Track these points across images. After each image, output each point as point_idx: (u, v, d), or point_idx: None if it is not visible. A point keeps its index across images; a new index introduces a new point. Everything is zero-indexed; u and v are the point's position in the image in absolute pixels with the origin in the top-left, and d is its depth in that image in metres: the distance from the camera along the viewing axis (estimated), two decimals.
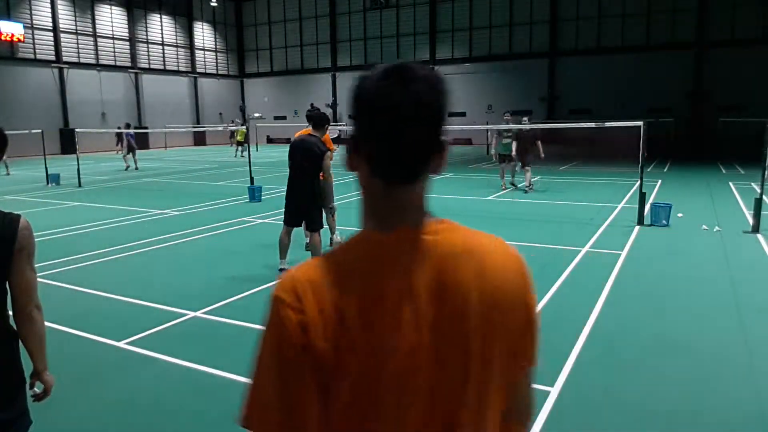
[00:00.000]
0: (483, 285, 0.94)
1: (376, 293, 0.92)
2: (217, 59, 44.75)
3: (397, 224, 0.94)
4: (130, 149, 21.26)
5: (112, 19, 36.61)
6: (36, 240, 2.05)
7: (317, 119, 6.27)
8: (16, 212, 2.01)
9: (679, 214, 9.73)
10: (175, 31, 41.22)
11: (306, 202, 6.20)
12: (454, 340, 0.93)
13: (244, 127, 25.80)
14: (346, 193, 11.14)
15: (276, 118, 43.79)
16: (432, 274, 0.92)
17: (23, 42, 30.87)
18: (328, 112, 43.02)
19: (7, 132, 2.15)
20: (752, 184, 13.48)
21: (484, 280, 0.94)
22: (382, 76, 0.92)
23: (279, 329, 0.91)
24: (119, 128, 30.03)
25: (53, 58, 33.05)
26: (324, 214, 7.01)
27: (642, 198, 9.36)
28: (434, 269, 0.92)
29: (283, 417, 0.91)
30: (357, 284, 0.92)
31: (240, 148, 27.14)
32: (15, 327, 2.02)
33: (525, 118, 13.62)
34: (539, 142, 13.13)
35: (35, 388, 2.10)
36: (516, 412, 1.04)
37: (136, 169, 20.95)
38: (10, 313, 2.03)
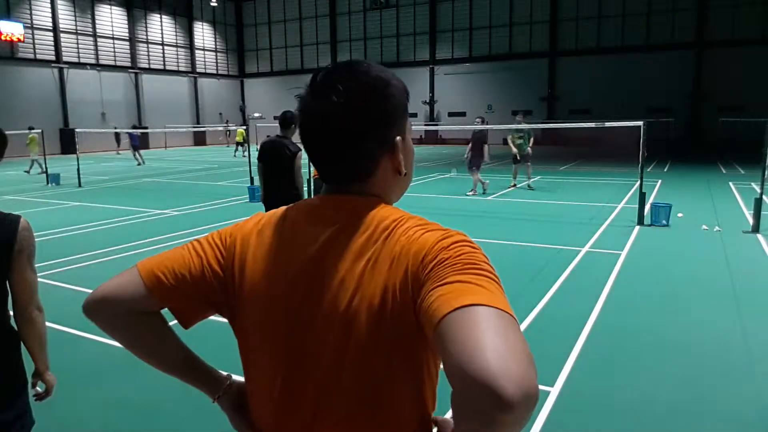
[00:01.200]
0: (375, 251, 0.90)
1: (267, 248, 1.01)
2: (217, 59, 44.75)
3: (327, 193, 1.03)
4: (135, 148, 24.09)
5: (112, 19, 36.61)
6: (36, 240, 2.05)
7: (281, 120, 6.21)
8: (15, 213, 2.01)
9: (679, 214, 9.73)
10: (175, 31, 41.21)
11: (283, 204, 6.12)
12: (314, 298, 0.93)
13: (243, 127, 26.29)
14: None
15: (276, 118, 43.70)
16: (323, 240, 0.95)
17: (23, 42, 30.87)
18: None
19: (6, 132, 2.16)
20: (752, 184, 13.49)
21: (377, 246, 0.91)
22: (309, 85, 0.99)
23: (215, 233, 1.10)
24: (115, 127, 30.51)
25: (53, 58, 33.06)
26: None
27: (642, 198, 9.36)
28: (324, 239, 0.95)
29: (162, 259, 1.04)
30: (262, 240, 1.02)
31: (241, 148, 27.79)
32: (16, 328, 2.03)
33: (477, 119, 13.13)
34: (486, 146, 12.63)
35: (37, 388, 2.10)
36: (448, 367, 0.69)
37: (143, 163, 23.30)
38: (11, 313, 2.03)
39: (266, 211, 6.70)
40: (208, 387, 1.13)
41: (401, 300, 0.86)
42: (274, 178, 6.08)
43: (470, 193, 13.09)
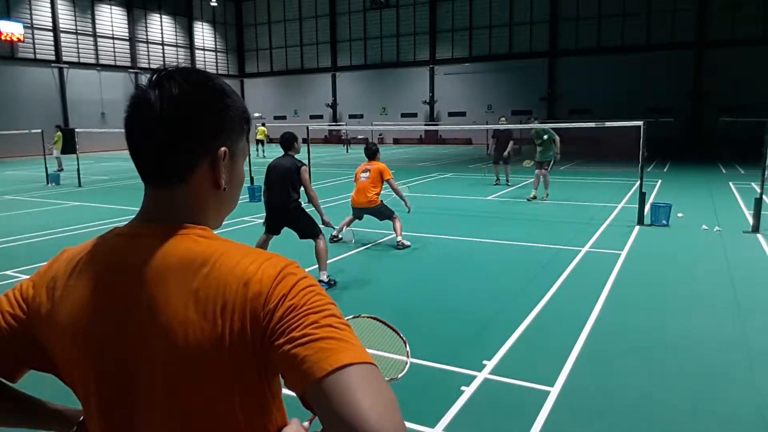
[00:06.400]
0: (185, 291, 0.85)
1: (74, 277, 0.94)
2: (217, 59, 44.77)
3: (139, 220, 0.98)
4: None
5: (112, 19, 36.64)
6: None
7: (282, 141, 6.19)
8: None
9: (679, 214, 9.73)
10: (175, 31, 41.25)
11: (284, 215, 6.12)
12: (137, 349, 0.87)
13: (263, 127, 26.75)
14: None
15: (276, 117, 43.83)
16: (131, 276, 0.89)
17: (23, 42, 30.89)
18: (328, 112, 43.06)
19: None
20: (752, 184, 13.49)
21: (190, 288, 0.85)
22: (142, 85, 0.95)
23: (16, 286, 1.01)
24: None
25: (53, 58, 33.08)
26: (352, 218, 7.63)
27: (642, 198, 9.36)
28: (137, 272, 0.89)
29: None
30: (78, 269, 0.94)
31: (261, 147, 28.08)
32: None
33: (503, 118, 14.40)
34: (512, 142, 14.05)
35: None
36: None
37: None
38: None
39: (267, 216, 6.59)
40: (60, 427, 1.08)
41: (239, 346, 0.84)
42: (281, 194, 6.07)
43: (503, 184, 14.67)
